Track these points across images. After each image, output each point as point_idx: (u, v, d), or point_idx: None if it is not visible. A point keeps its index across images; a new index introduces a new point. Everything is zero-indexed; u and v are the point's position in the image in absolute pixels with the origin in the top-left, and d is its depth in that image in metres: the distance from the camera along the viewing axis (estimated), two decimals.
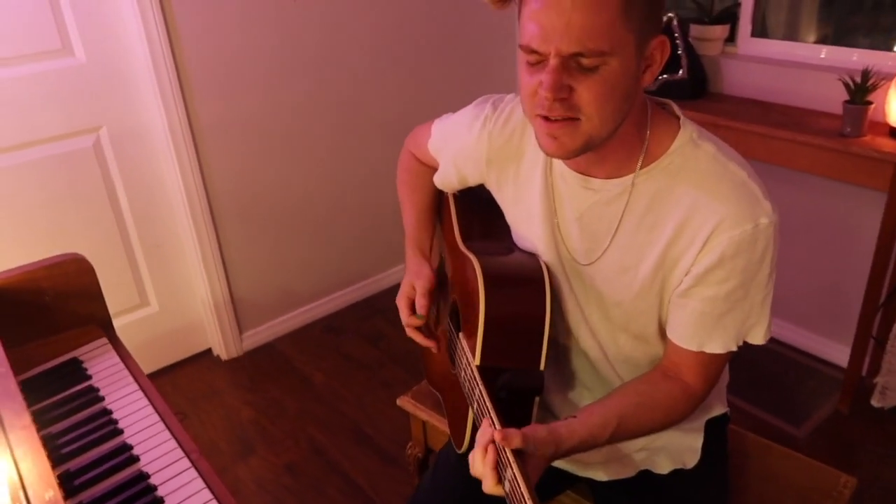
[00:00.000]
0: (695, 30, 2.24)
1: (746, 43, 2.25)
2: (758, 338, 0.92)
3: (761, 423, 2.05)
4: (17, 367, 1.13)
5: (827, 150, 1.86)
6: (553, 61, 0.78)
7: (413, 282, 1.15)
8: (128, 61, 2.04)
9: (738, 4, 2.23)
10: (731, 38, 2.28)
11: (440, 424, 1.41)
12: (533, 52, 0.80)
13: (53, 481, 0.72)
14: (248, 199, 2.38)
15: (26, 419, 0.81)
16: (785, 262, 2.26)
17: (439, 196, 1.27)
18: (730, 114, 2.07)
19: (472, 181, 1.13)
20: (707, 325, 0.90)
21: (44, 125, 1.96)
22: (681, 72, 2.17)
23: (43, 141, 1.98)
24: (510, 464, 0.78)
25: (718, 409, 1.12)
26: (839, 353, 2.19)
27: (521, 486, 0.75)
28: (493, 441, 0.81)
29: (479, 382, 0.94)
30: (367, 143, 2.57)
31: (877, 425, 2.02)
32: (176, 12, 2.01)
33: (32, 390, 1.10)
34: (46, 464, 0.75)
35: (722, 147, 0.90)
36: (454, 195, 1.22)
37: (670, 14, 2.18)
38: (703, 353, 0.92)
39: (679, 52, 2.16)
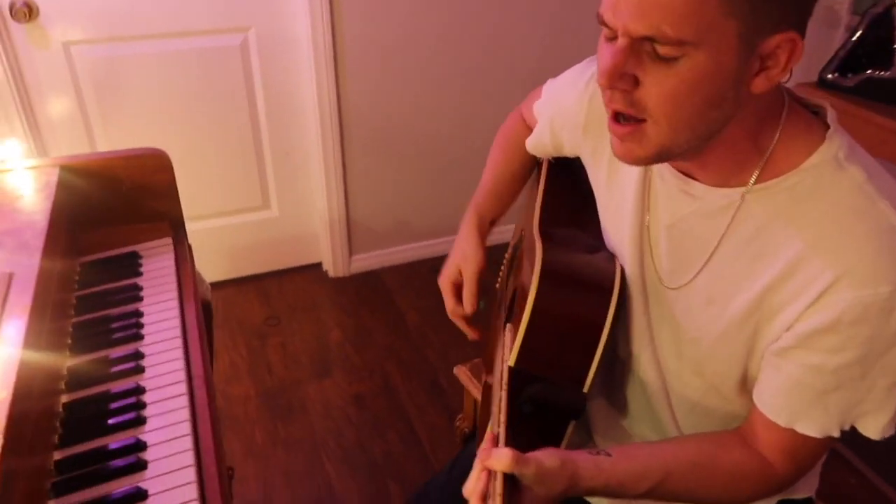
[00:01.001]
0: None
1: None
2: (871, 430, 0.70)
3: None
4: (85, 248, 1.16)
5: None
6: (621, 41, 0.61)
7: (460, 265, 1.01)
8: None
9: None
10: None
11: None
12: (604, 24, 0.62)
13: (12, 382, 0.69)
14: (379, 125, 2.31)
15: (26, 312, 0.79)
16: None
17: (527, 171, 1.11)
18: None
19: (568, 150, 0.96)
20: (804, 398, 0.69)
21: (198, 18, 2.00)
22: (891, 69, 1.77)
23: (195, 33, 2.02)
24: (495, 495, 0.65)
25: (801, 493, 0.90)
26: None
27: None
28: (486, 470, 0.67)
29: (504, 387, 0.81)
30: (505, 90, 2.39)
31: None
32: None
33: (88, 274, 1.12)
34: (16, 363, 0.72)
35: (878, 176, 0.67)
36: (549, 171, 1.05)
37: None
38: (792, 430, 0.71)
39: (894, 45, 1.76)
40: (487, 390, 1.07)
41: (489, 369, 1.19)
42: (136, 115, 2.07)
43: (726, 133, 0.67)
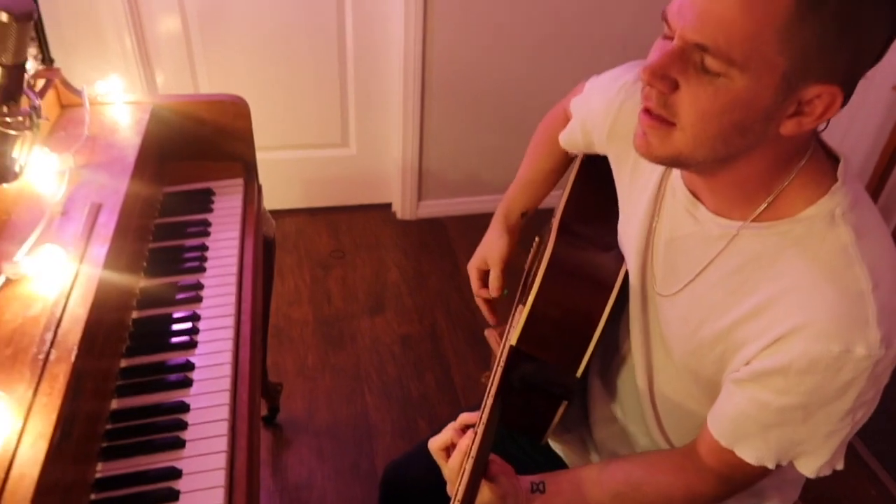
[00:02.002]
0: None
1: None
2: (808, 468, 0.75)
3: None
4: (168, 178, 1.31)
5: None
6: (676, 43, 0.63)
7: (486, 254, 1.09)
8: None
9: None
10: None
11: None
12: (666, 20, 0.65)
13: (90, 300, 0.83)
14: (461, 76, 2.36)
15: (108, 240, 0.93)
16: None
17: (562, 167, 1.15)
18: None
19: (598, 149, 1.00)
20: (748, 427, 0.74)
21: None
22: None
23: None
24: (470, 455, 0.76)
25: (773, 501, 0.95)
26: None
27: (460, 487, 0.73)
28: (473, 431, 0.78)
29: (503, 362, 0.90)
30: (590, 57, 2.37)
31: None
32: None
33: (170, 203, 1.27)
34: (96, 283, 0.86)
35: (867, 239, 0.68)
36: (581, 167, 1.10)
37: None
38: (732, 452, 0.77)
39: None
40: (492, 361, 1.16)
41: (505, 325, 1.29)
42: (233, 46, 2.19)
43: (742, 164, 0.70)
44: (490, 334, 1.47)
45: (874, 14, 0.58)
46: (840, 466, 0.77)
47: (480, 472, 0.74)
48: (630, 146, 0.86)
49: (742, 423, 0.75)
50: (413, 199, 2.61)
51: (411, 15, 2.17)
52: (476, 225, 2.62)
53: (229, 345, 0.99)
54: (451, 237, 2.58)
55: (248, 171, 1.36)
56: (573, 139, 1.04)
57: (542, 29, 2.31)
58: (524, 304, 0.97)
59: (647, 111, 0.69)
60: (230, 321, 1.03)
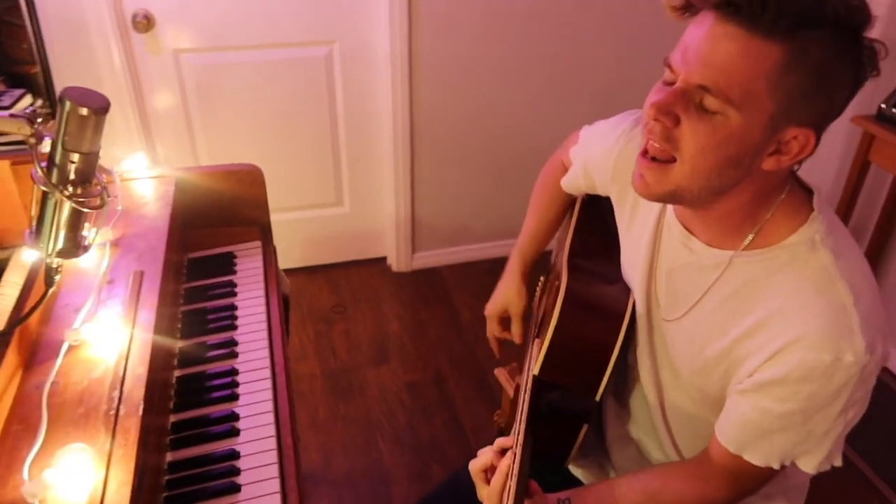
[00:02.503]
0: None
1: None
2: (808, 466, 0.84)
3: None
4: (190, 245, 1.39)
5: None
6: (679, 84, 0.74)
7: (507, 306, 1.19)
8: None
9: None
10: None
11: None
12: (670, 67, 0.76)
13: (147, 360, 0.91)
14: (447, 131, 2.49)
15: (153, 302, 1.01)
16: None
17: (565, 212, 1.26)
18: None
19: (600, 190, 1.11)
20: (753, 433, 0.83)
21: (289, 31, 2.21)
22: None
23: (286, 45, 2.24)
24: (513, 475, 0.82)
25: None
26: None
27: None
28: (513, 458, 0.84)
29: (528, 391, 0.98)
30: (568, 107, 2.53)
31: None
32: None
33: (194, 268, 1.35)
34: (149, 345, 0.94)
35: (844, 259, 0.79)
36: (581, 207, 1.21)
37: None
38: (740, 457, 0.85)
39: None
40: (518, 391, 1.24)
41: (521, 374, 1.36)
42: (230, 117, 2.31)
43: (731, 198, 0.80)
44: (500, 373, 1.54)
45: (844, 70, 0.70)
46: (838, 463, 0.86)
47: (523, 490, 0.81)
48: (630, 187, 0.97)
49: (748, 430, 0.83)
50: (407, 252, 2.71)
51: (398, 77, 2.31)
52: (471, 272, 2.74)
53: (269, 394, 1.06)
54: (448, 286, 2.67)
55: (265, 233, 1.45)
56: (575, 183, 1.15)
57: (524, 83, 2.46)
58: (541, 337, 1.06)
59: (644, 154, 0.79)
60: (267, 373, 1.10)
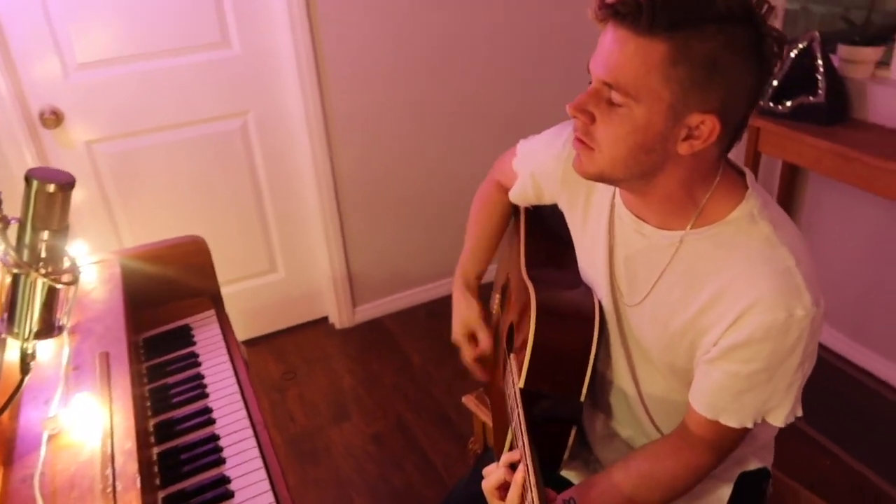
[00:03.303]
0: (843, 50, 2.09)
1: None
2: (778, 419, 0.92)
3: (870, 485, 1.94)
4: (143, 325, 1.37)
5: None
6: (592, 84, 0.84)
7: (465, 320, 1.23)
8: (275, 54, 2.26)
9: None
10: (886, 62, 2.10)
11: None
12: (588, 71, 0.85)
13: (133, 434, 0.90)
14: (371, 183, 2.56)
15: (127, 380, 1.00)
16: None
17: (503, 229, 1.33)
18: (866, 145, 1.92)
19: (548, 198, 1.18)
20: (726, 397, 0.91)
21: (200, 108, 2.24)
22: (818, 94, 2.04)
23: (199, 122, 2.26)
24: (532, 486, 0.84)
25: (754, 464, 1.12)
26: None
27: None
28: (525, 469, 0.86)
29: (519, 405, 1.01)
30: (483, 141, 2.66)
31: None
32: (320, 11, 2.20)
33: (152, 347, 1.33)
34: (132, 419, 0.93)
35: (781, 228, 0.89)
36: (526, 220, 1.28)
37: (814, 33, 2.05)
38: (717, 422, 0.93)
39: (817, 73, 2.03)
40: (496, 410, 1.27)
41: (490, 393, 1.40)
42: (151, 199, 2.29)
43: (662, 181, 0.89)
44: (469, 400, 1.58)
45: (735, 60, 0.79)
46: (800, 413, 0.94)
47: (544, 499, 0.83)
48: (581, 188, 1.06)
49: (720, 395, 0.91)
50: (349, 307, 2.72)
51: (315, 138, 2.37)
52: (414, 317, 2.77)
53: (255, 452, 1.06)
54: (393, 333, 2.70)
55: (217, 302, 1.45)
56: (524, 194, 1.21)
57: (438, 124, 2.57)
58: (517, 351, 1.11)
59: (577, 139, 0.88)
60: (249, 432, 1.10)
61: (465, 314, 1.26)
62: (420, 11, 2.36)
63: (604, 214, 1.04)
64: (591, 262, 1.09)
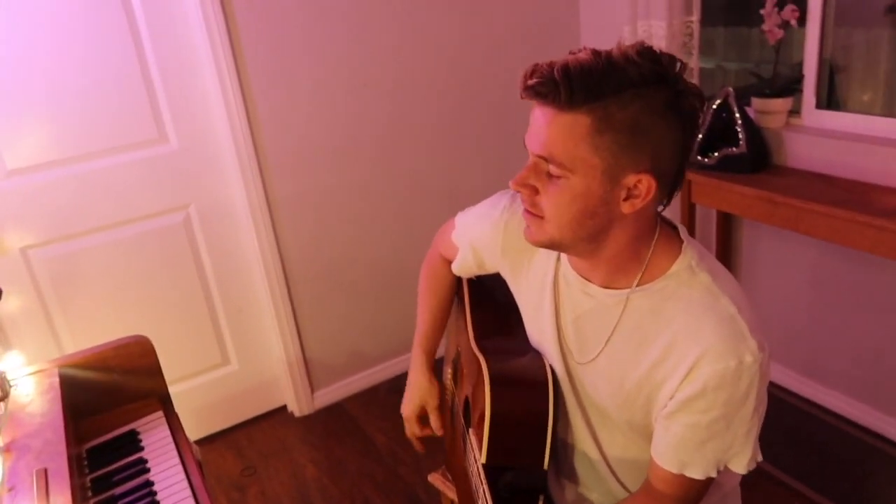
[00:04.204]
0: (756, 103, 2.22)
1: (811, 115, 2.20)
2: (739, 467, 0.92)
3: None
4: (87, 435, 1.31)
5: (890, 231, 1.78)
6: (531, 160, 0.87)
7: (422, 401, 1.22)
8: (213, 146, 2.27)
9: (803, 77, 2.19)
10: (797, 110, 2.24)
11: None
12: (525, 146, 0.89)
13: None
14: (320, 266, 2.55)
15: (67, 496, 0.95)
16: (850, 337, 2.17)
17: (451, 301, 1.34)
18: (789, 190, 2.02)
19: (490, 267, 1.19)
20: (688, 449, 0.91)
21: (140, 205, 2.22)
22: (740, 145, 2.15)
23: (139, 219, 2.23)
24: None
25: None
26: None
27: None
28: None
29: (483, 482, 0.99)
30: (427, 216, 2.68)
31: None
32: (257, 101, 2.24)
33: (95, 457, 1.26)
34: None
35: (719, 278, 0.92)
36: (470, 292, 1.29)
37: (728, 88, 2.18)
38: (682, 476, 0.93)
39: (737, 126, 2.15)
40: (459, 487, 1.24)
41: (451, 469, 1.37)
42: (93, 301, 2.23)
43: (610, 243, 0.91)
44: (435, 479, 1.54)
45: (656, 120, 0.82)
46: (760, 458, 0.95)
47: None
48: (523, 254, 1.07)
49: (683, 448, 0.91)
50: (307, 394, 2.66)
51: (261, 227, 2.37)
52: (375, 397, 2.72)
53: None
54: (354, 416, 2.63)
55: (165, 402, 1.40)
56: (466, 265, 1.22)
57: (381, 202, 2.60)
58: (474, 426, 1.10)
59: (526, 211, 0.91)
60: None
61: (424, 395, 1.25)
62: (358, 94, 2.42)
63: (548, 278, 1.06)
64: (537, 327, 1.10)
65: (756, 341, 0.86)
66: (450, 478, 1.49)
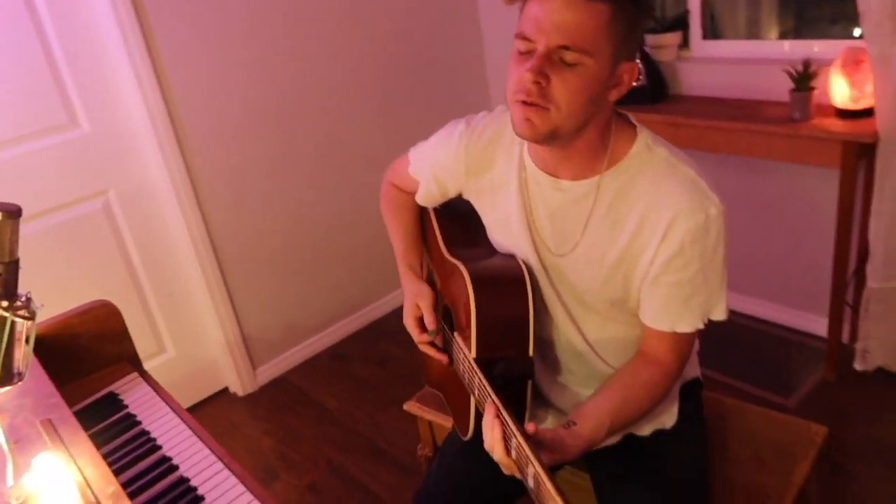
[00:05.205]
0: (650, 39, 2.41)
1: (698, 46, 2.41)
2: (720, 314, 1.05)
3: (753, 398, 2.17)
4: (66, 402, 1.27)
5: (779, 136, 2.01)
6: (541, 49, 0.92)
7: (416, 301, 1.27)
8: (129, 128, 2.20)
9: (688, 11, 2.40)
10: (685, 43, 2.45)
11: (445, 422, 1.53)
12: (526, 39, 0.93)
13: (113, 478, 0.85)
14: (250, 241, 2.52)
15: (82, 435, 0.94)
16: (756, 244, 2.41)
17: (419, 220, 1.40)
18: (689, 113, 2.22)
19: (453, 192, 1.26)
20: (676, 307, 1.03)
21: (56, 194, 2.12)
22: (640, 79, 2.33)
23: (55, 209, 2.13)
24: (514, 434, 0.89)
25: (691, 375, 1.25)
26: (820, 325, 2.30)
27: (526, 451, 0.84)
28: (497, 416, 0.92)
29: (478, 373, 1.06)
30: (351, 178, 2.73)
31: (863, 388, 2.14)
32: (169, 77, 2.19)
33: (82, 420, 1.23)
34: (105, 466, 0.88)
35: (673, 150, 1.04)
36: (435, 212, 1.35)
37: None
38: (675, 332, 1.04)
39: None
40: (450, 395, 1.31)
41: (439, 385, 1.44)
42: None
43: (586, 133, 1.00)
44: (412, 406, 1.60)
45: (640, 15, 0.95)
46: (729, 306, 1.07)
47: (534, 444, 0.87)
48: (484, 171, 1.15)
49: (672, 306, 1.03)
50: (248, 372, 2.63)
51: (187, 208, 2.32)
52: (317, 366, 2.74)
53: (234, 480, 1.02)
54: (301, 386, 2.64)
55: (136, 364, 1.38)
56: (430, 196, 1.29)
57: (302, 171, 2.60)
58: (460, 328, 1.17)
59: (524, 103, 0.95)
60: (220, 465, 1.06)
61: (415, 295, 1.27)
62: (268, 64, 2.41)
63: (512, 184, 1.14)
64: (506, 231, 1.18)
65: (716, 195, 0.99)
66: (428, 405, 1.56)
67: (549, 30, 0.91)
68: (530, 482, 0.83)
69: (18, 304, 0.74)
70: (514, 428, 0.89)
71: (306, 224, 2.66)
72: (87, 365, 1.32)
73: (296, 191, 2.60)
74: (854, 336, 2.20)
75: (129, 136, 2.21)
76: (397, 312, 2.99)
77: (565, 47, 0.91)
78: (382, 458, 2.18)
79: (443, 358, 1.26)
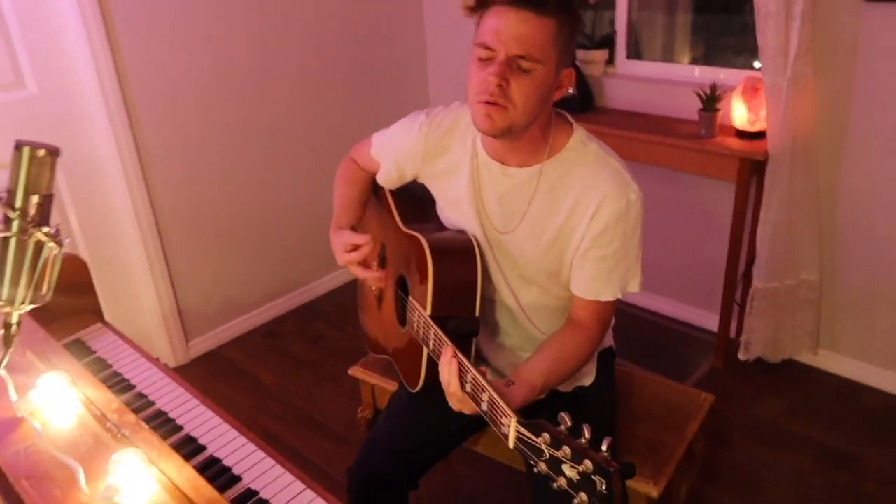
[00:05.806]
0: (580, 54, 2.65)
1: (623, 64, 2.67)
2: (636, 286, 1.25)
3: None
4: None
5: (688, 150, 2.28)
6: (501, 57, 1.09)
7: (341, 239, 1.36)
8: (79, 93, 2.23)
9: (615, 32, 2.65)
10: (611, 60, 2.70)
11: (387, 386, 1.68)
12: (487, 48, 1.10)
13: (114, 397, 0.95)
14: (192, 216, 2.58)
15: (77, 364, 1.04)
16: (661, 245, 2.69)
17: (367, 194, 1.54)
18: (613, 124, 2.47)
19: (409, 176, 1.42)
20: (600, 279, 1.22)
21: None
22: (570, 90, 2.56)
23: None
24: (470, 369, 1.05)
25: (607, 344, 1.46)
26: (712, 321, 2.60)
27: (481, 382, 1.01)
28: (455, 356, 1.08)
29: (434, 326, 1.22)
30: (298, 160, 2.83)
31: (745, 375, 2.45)
32: (122, 44, 2.23)
33: None
34: (105, 388, 0.98)
35: (603, 146, 1.24)
36: (391, 193, 1.51)
37: None
38: (598, 301, 1.23)
39: None
40: (399, 354, 1.46)
41: (386, 350, 1.59)
42: None
43: (536, 126, 1.18)
44: (356, 371, 1.74)
45: (577, 27, 1.14)
46: (643, 279, 1.28)
47: (477, 370, 1.04)
48: (439, 157, 1.32)
49: (597, 278, 1.22)
50: (181, 344, 2.68)
51: (132, 180, 2.36)
52: (252, 341, 2.82)
53: (210, 414, 1.14)
54: (233, 360, 2.71)
55: (100, 316, 1.46)
56: (389, 177, 1.44)
57: (250, 150, 2.68)
58: (414, 292, 1.33)
59: (486, 102, 1.11)
60: (195, 402, 1.17)
61: (338, 237, 1.38)
62: (223, 41, 2.49)
63: (465, 170, 1.31)
64: (457, 211, 1.35)
65: (636, 185, 1.20)
66: (372, 370, 1.71)
67: (508, 41, 1.09)
68: (484, 406, 1.00)
69: (51, 232, 0.84)
70: (468, 364, 1.06)
71: (250, 204, 2.74)
72: (53, 314, 1.38)
73: (243, 171, 2.68)
74: (740, 330, 2.51)
75: (77, 101, 2.24)
76: (332, 294, 3.12)
77: (522, 56, 1.09)
78: (318, 429, 2.30)
79: (371, 274, 1.39)
